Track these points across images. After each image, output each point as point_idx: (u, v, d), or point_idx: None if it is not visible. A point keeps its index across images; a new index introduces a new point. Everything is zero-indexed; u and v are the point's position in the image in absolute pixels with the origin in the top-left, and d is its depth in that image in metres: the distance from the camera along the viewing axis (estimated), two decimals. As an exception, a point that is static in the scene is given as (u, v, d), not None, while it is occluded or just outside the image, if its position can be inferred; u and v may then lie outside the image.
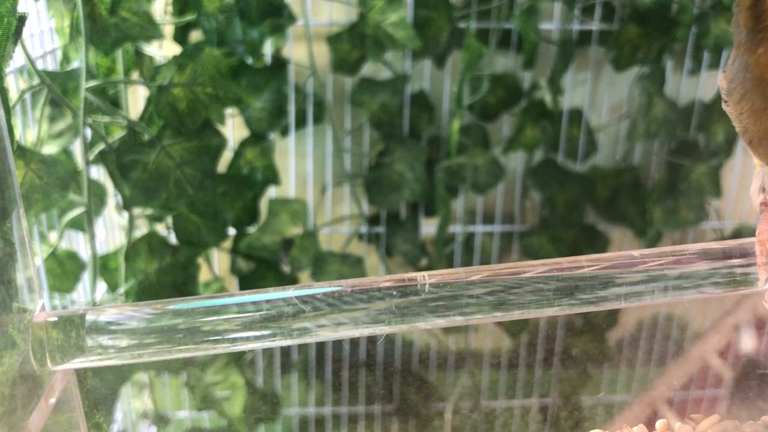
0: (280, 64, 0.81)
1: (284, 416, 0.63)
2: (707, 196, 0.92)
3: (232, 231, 0.83)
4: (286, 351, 0.64)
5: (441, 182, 0.86)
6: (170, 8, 0.74)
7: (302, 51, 0.83)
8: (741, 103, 0.38)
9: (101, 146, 0.69)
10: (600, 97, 0.93)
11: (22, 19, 0.49)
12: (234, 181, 0.77)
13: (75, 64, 0.70)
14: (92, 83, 0.67)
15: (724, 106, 0.40)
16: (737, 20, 0.37)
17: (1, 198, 0.36)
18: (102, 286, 0.78)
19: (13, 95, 0.65)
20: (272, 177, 0.82)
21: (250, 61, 0.78)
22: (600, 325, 0.63)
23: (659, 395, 0.53)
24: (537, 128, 0.88)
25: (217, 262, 0.88)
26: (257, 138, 0.81)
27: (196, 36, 0.77)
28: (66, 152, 0.72)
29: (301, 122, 0.86)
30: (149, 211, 0.75)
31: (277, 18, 0.77)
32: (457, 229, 0.93)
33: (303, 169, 0.91)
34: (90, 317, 0.38)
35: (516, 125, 0.88)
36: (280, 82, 0.81)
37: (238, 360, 0.68)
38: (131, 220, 0.72)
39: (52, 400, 0.39)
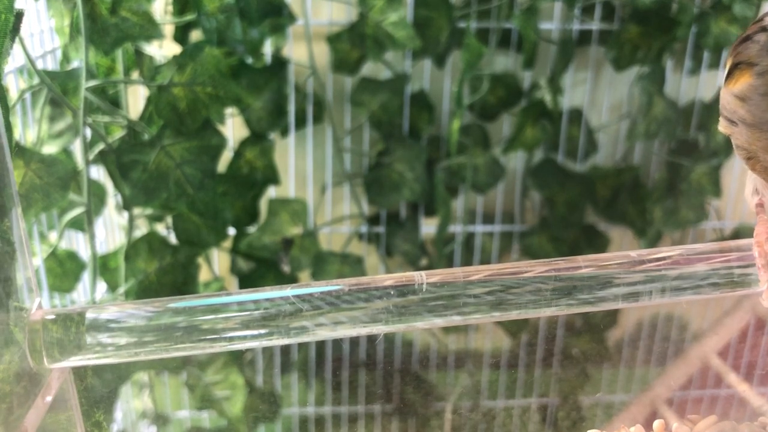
0: (280, 63, 0.81)
1: (284, 416, 0.63)
2: (707, 196, 0.91)
3: (232, 231, 0.83)
4: (285, 350, 0.65)
5: (441, 182, 0.86)
6: (170, 8, 0.74)
7: (302, 51, 0.83)
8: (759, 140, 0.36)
9: (101, 146, 0.69)
10: (600, 97, 0.93)
11: (19, 16, 0.49)
12: (234, 181, 0.77)
13: (75, 64, 0.70)
14: (92, 83, 0.67)
15: (723, 124, 0.38)
16: None
17: (0, 196, 0.36)
18: (102, 286, 0.78)
19: (13, 95, 0.65)
20: (272, 177, 0.82)
21: (250, 60, 0.78)
22: (599, 325, 0.63)
23: (658, 396, 0.53)
24: (537, 128, 0.87)
25: (217, 262, 0.88)
26: (257, 138, 0.81)
27: (196, 36, 0.77)
28: (66, 152, 0.72)
29: (301, 122, 0.86)
30: (149, 211, 0.75)
31: (277, 18, 0.77)
32: (457, 229, 0.93)
33: (303, 169, 0.91)
34: (89, 315, 0.38)
35: (516, 125, 0.88)
36: (280, 81, 0.81)
37: (237, 359, 0.68)
38: (131, 220, 0.72)
39: (48, 398, 0.39)
